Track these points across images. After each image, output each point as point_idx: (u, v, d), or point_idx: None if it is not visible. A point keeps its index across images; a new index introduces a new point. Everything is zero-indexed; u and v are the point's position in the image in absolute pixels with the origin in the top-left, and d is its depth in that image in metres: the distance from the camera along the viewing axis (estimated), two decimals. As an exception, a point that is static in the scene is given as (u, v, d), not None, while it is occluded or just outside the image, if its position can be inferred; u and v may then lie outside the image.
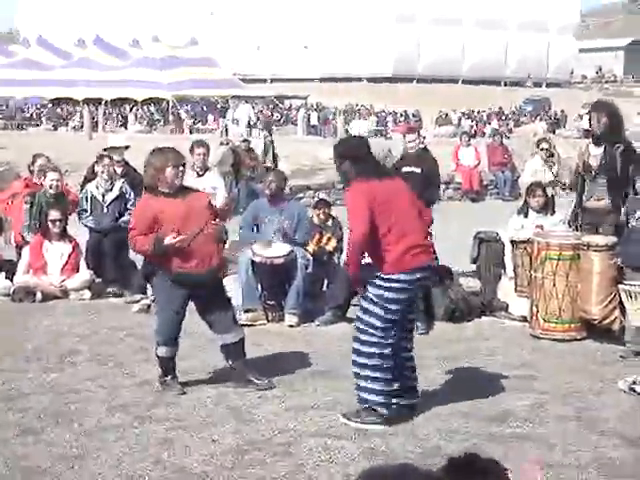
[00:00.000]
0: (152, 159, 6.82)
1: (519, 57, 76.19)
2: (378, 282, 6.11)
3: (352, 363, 6.23)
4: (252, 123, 39.48)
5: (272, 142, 21.47)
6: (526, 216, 9.72)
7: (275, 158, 21.04)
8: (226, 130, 39.81)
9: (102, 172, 10.78)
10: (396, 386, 6.21)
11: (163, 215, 6.67)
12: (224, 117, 46.55)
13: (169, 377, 6.89)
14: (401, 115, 53.10)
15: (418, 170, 9.73)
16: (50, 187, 10.70)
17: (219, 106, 50.54)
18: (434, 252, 6.51)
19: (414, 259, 6.11)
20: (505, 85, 73.71)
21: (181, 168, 6.82)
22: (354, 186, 6.17)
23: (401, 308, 6.16)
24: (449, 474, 2.86)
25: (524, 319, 8.91)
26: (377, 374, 6.13)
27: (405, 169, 9.62)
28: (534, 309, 8.57)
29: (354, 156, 6.22)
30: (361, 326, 6.18)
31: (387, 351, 6.13)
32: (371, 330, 6.12)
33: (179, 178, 6.80)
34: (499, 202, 21.10)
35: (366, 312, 6.17)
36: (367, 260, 6.33)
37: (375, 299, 6.11)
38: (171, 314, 6.80)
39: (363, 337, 6.15)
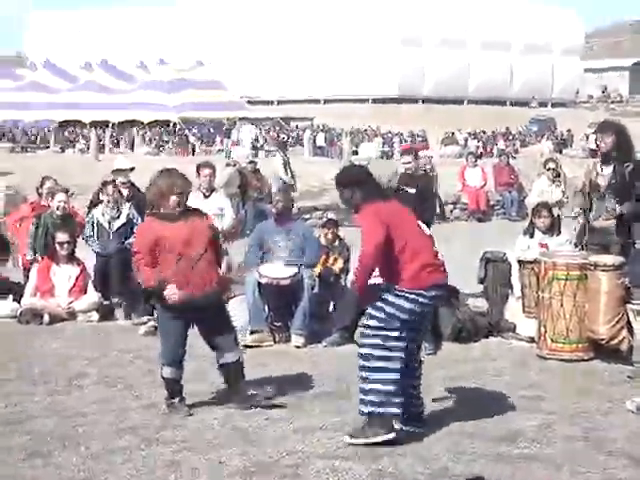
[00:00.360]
0: (159, 180, 6.82)
1: (524, 78, 76.38)
2: (393, 296, 6.14)
3: (359, 368, 6.23)
4: (258, 145, 39.55)
5: (289, 161, 21.59)
6: (532, 236, 9.74)
7: (294, 177, 21.10)
8: (229, 151, 39.90)
9: (107, 200, 10.77)
10: (400, 400, 6.20)
11: (165, 239, 6.69)
12: (228, 138, 46.69)
13: (176, 399, 6.88)
14: (408, 136, 53.19)
15: (412, 190, 9.73)
16: (57, 208, 10.74)
17: (224, 128, 50.67)
18: (445, 270, 6.53)
19: (430, 276, 6.18)
20: (511, 105, 73.79)
21: (185, 197, 6.84)
22: (364, 210, 6.23)
23: (412, 324, 6.21)
24: None
25: (532, 340, 8.89)
26: (386, 386, 6.14)
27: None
28: (542, 329, 8.55)
29: (357, 182, 6.31)
30: (370, 340, 6.19)
31: (396, 365, 6.16)
32: (380, 343, 6.14)
33: (182, 205, 6.82)
34: (506, 222, 21.10)
35: (377, 324, 6.17)
36: (374, 280, 6.38)
37: (388, 313, 6.13)
38: (174, 336, 6.82)
39: (375, 352, 6.15)
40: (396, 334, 6.14)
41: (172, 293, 6.67)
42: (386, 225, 6.09)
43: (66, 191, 11.29)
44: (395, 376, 6.17)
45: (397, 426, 6.18)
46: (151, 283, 6.76)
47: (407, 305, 6.13)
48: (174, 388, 6.90)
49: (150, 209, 6.99)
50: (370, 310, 6.26)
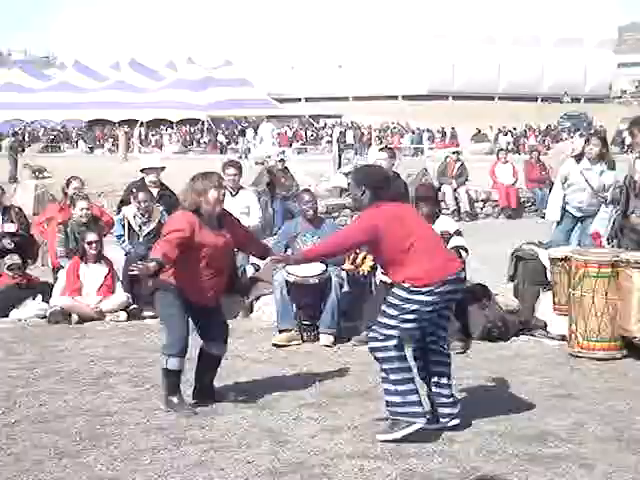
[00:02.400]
0: (196, 183, 6.78)
1: (556, 73, 75.98)
2: (405, 293, 6.14)
3: (382, 380, 6.25)
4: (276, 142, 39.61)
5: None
6: (578, 162, 9.82)
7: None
8: (248, 149, 39.88)
9: (138, 209, 10.74)
10: (418, 398, 6.21)
11: (203, 246, 6.67)
12: (244, 136, 46.62)
13: (175, 397, 6.80)
14: (438, 132, 53.11)
15: None
16: (80, 216, 10.79)
17: (239, 128, 50.69)
18: (461, 267, 6.49)
19: (439, 273, 6.16)
20: (542, 101, 73.40)
21: (223, 190, 6.84)
22: (368, 210, 6.30)
23: (425, 320, 6.22)
24: None
25: (563, 338, 8.80)
26: (404, 386, 6.14)
27: None
28: (573, 327, 8.45)
29: (370, 184, 6.33)
30: (382, 343, 6.17)
31: (409, 364, 6.20)
32: (395, 344, 6.14)
33: (222, 203, 6.81)
34: (537, 219, 20.94)
35: (387, 322, 6.17)
36: (384, 278, 6.41)
37: (400, 310, 6.14)
38: (182, 324, 6.75)
39: (382, 354, 6.16)
40: (409, 331, 6.19)
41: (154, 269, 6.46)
42: (379, 230, 6.15)
43: (86, 197, 11.28)
44: (410, 375, 6.19)
45: (422, 423, 6.17)
46: (167, 255, 6.49)
47: (418, 302, 6.11)
48: (177, 382, 6.82)
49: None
50: (383, 308, 6.25)
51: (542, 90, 76.16)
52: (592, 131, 11.94)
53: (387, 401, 6.22)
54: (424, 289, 6.10)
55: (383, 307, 6.25)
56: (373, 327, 6.30)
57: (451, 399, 6.42)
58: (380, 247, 6.26)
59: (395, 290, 6.22)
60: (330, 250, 6.73)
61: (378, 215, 6.23)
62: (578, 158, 10.01)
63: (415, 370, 6.31)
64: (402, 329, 6.15)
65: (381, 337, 6.16)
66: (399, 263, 6.19)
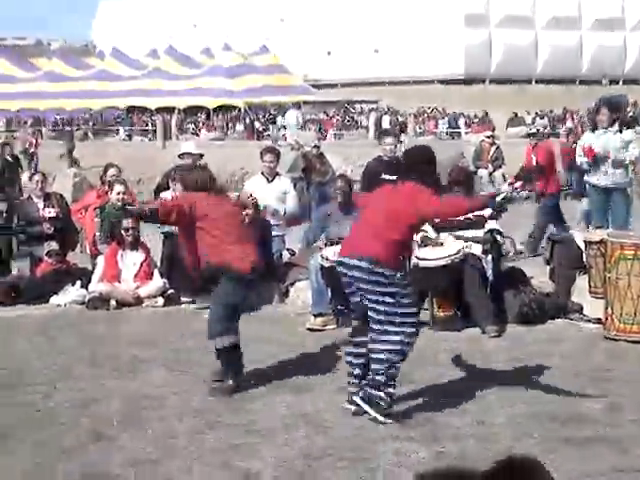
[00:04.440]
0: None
1: (594, 55, 75.04)
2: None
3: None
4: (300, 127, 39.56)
5: None
6: (593, 131, 9.90)
7: None
8: (283, 136, 39.86)
9: (174, 190, 10.78)
10: None
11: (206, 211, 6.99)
12: (274, 124, 46.58)
13: (222, 380, 6.98)
14: (475, 117, 52.78)
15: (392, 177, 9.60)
16: (117, 200, 10.82)
17: (268, 115, 50.67)
18: None
19: None
20: (580, 84, 72.59)
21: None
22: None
23: None
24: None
25: (599, 321, 8.76)
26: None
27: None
28: (609, 310, 8.41)
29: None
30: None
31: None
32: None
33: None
34: (575, 202, 20.76)
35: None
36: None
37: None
38: (235, 302, 6.99)
39: None
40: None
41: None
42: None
43: (124, 182, 11.34)
44: None
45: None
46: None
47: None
48: (233, 358, 6.98)
49: None
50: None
51: (580, 72, 75.34)
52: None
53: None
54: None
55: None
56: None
57: None
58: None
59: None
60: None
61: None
62: (593, 129, 10.13)
63: None
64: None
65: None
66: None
